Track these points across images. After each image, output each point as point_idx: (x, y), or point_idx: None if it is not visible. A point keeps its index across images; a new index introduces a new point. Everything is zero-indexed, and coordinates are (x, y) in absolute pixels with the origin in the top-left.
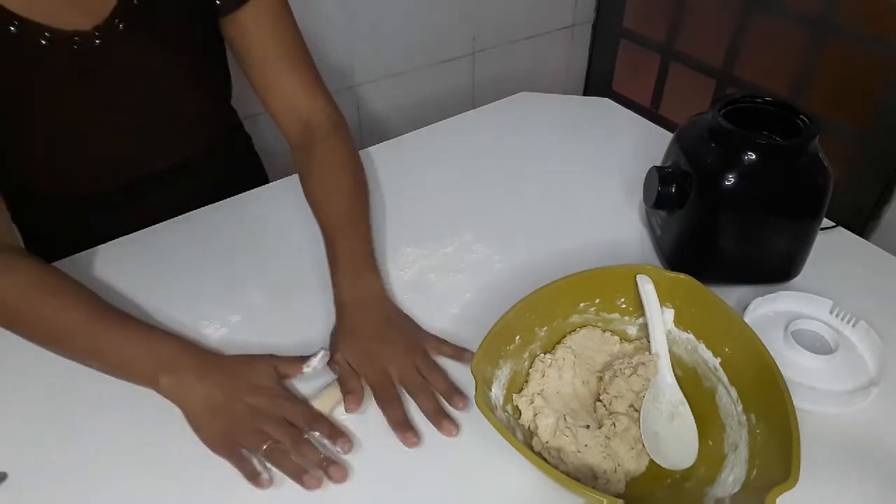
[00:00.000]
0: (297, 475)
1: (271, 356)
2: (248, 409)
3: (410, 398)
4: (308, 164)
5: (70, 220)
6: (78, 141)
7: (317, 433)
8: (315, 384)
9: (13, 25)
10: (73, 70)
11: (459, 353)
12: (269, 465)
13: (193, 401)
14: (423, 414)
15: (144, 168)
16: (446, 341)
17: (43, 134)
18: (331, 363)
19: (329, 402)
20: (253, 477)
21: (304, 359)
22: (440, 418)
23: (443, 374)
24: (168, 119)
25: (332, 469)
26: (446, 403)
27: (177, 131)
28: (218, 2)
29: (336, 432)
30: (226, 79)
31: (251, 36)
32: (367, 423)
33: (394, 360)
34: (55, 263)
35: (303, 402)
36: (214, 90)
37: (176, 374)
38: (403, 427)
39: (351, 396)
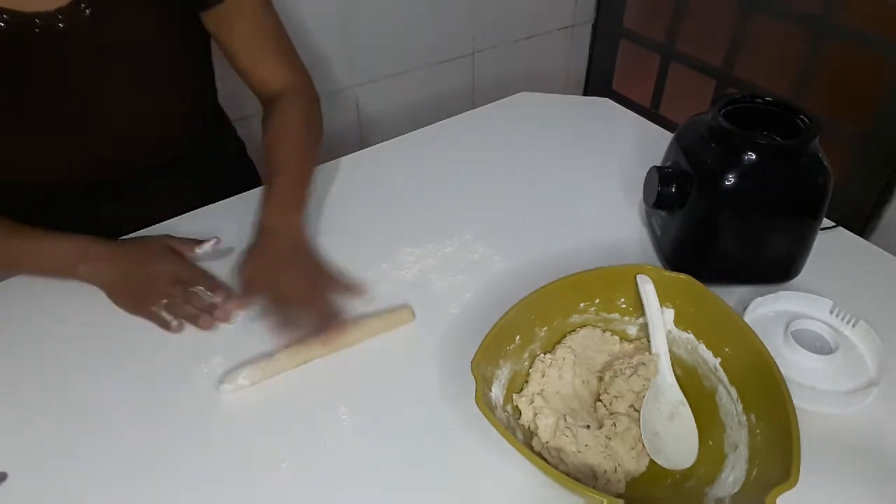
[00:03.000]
0: (192, 319)
1: (167, 236)
2: (149, 275)
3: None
4: (269, 115)
5: (42, 217)
6: (43, 131)
7: (202, 287)
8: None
9: None
10: (35, 56)
11: (352, 287)
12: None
13: (108, 279)
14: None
15: (121, 165)
16: (342, 281)
17: (6, 122)
18: (237, 275)
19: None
20: (165, 325)
21: (197, 242)
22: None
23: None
24: (142, 114)
25: (217, 311)
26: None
27: (152, 128)
28: None
29: (215, 285)
30: (208, 77)
31: (234, 28)
32: (367, 423)
33: (287, 279)
34: None
35: (189, 265)
36: (195, 87)
37: (91, 261)
38: (281, 328)
39: (241, 301)
